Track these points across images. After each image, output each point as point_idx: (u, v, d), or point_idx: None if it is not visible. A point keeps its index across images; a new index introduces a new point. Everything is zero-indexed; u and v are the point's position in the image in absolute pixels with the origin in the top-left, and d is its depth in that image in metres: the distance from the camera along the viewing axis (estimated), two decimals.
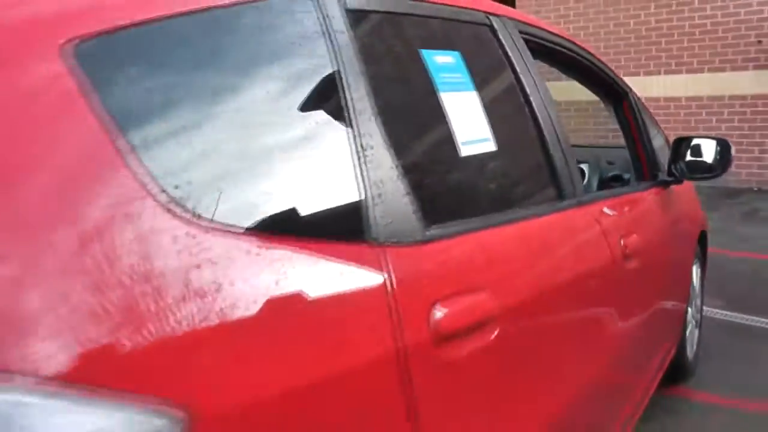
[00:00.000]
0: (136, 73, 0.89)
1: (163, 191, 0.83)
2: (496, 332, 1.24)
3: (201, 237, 0.83)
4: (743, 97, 7.77)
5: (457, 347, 1.14)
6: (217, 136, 0.93)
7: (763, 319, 3.89)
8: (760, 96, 7.68)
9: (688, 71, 8.19)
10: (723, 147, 2.72)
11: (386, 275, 1.04)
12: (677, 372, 3.10)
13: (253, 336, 0.85)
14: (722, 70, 7.89)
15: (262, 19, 1.08)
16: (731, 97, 7.84)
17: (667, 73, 8.31)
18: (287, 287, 0.90)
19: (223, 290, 0.83)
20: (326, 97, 1.11)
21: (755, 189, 7.71)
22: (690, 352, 3.22)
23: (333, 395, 0.92)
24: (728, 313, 4.00)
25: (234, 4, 1.05)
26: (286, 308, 0.89)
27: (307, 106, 1.08)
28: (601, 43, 8.64)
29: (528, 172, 1.76)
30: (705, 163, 2.72)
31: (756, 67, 7.61)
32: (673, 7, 8.25)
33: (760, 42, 7.53)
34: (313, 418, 0.89)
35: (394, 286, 1.04)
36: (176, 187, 0.84)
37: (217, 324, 0.81)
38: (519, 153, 1.74)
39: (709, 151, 2.73)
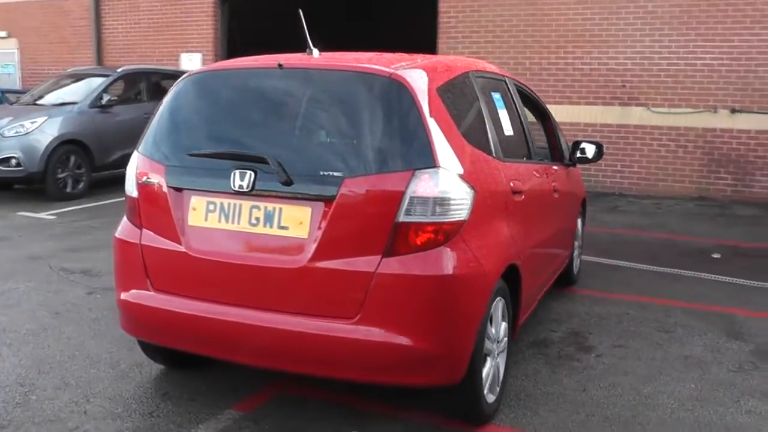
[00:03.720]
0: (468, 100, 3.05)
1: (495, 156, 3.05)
2: (523, 197, 3.43)
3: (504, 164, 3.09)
4: (610, 125, 10.43)
5: (516, 197, 3.33)
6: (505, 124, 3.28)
7: (615, 261, 6.32)
8: (623, 125, 10.35)
9: (570, 103, 10.77)
10: (598, 147, 5.03)
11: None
12: (568, 278, 5.40)
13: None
14: (595, 104, 10.52)
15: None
16: (601, 125, 10.47)
17: (554, 103, 10.85)
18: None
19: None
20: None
21: (617, 193, 10.35)
22: (575, 267, 5.55)
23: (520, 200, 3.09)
24: (596, 258, 6.40)
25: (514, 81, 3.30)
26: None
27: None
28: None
29: (527, 146, 4.01)
30: (587, 157, 5.03)
31: (621, 104, 10.28)
32: (561, 54, 10.82)
33: (624, 85, 10.22)
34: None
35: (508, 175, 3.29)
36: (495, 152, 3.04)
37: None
38: (523, 138, 3.97)
39: (590, 149, 5.04)
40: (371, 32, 20.16)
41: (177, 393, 3.56)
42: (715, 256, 6.67)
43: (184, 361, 3.74)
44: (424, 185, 2.74)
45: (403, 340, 2.72)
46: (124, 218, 3.40)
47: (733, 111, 9.45)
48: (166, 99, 3.37)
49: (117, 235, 3.36)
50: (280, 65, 3.11)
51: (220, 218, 2.97)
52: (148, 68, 11.06)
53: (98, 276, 5.70)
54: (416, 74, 3.01)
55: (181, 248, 3.03)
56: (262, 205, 2.90)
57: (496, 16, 11.29)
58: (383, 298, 2.72)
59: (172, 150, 3.20)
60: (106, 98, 9.64)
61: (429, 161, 2.78)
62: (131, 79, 10.50)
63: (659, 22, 9.90)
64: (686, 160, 9.90)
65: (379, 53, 3.34)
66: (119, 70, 10.26)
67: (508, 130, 3.63)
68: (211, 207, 2.99)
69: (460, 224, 2.82)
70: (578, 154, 5.00)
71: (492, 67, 4.09)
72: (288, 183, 2.83)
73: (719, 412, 3.47)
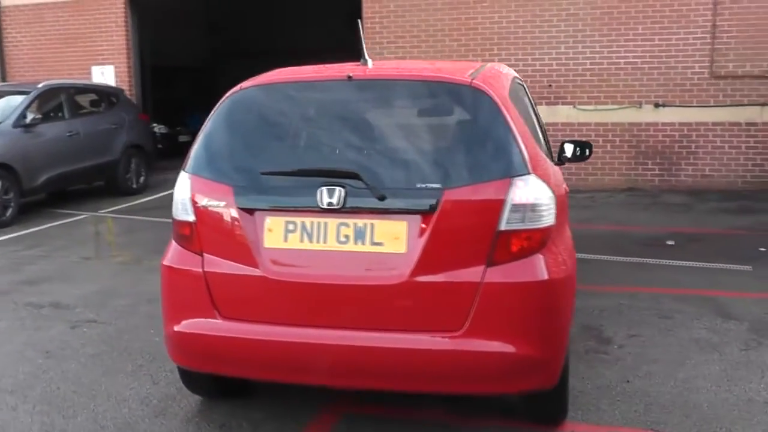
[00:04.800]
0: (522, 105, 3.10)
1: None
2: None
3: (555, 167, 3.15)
4: None
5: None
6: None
7: (582, 254, 6.58)
8: (550, 124, 10.72)
9: None
10: (581, 146, 5.21)
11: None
12: None
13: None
14: None
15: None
16: None
17: None
18: None
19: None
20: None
21: None
22: None
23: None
24: None
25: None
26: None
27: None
28: None
29: (548, 148, 4.07)
30: (566, 156, 5.21)
31: (548, 104, 10.69)
32: (486, 57, 11.13)
33: (550, 86, 10.65)
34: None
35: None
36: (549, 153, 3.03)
37: None
38: (545, 139, 4.03)
39: (570, 149, 5.22)
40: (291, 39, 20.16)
41: (236, 423, 3.39)
42: (670, 243, 7.07)
43: (224, 391, 3.57)
44: (520, 193, 2.76)
45: (512, 348, 2.72)
46: (173, 245, 3.18)
47: (657, 105, 10.06)
48: (219, 114, 3.17)
49: (167, 263, 3.15)
50: (349, 76, 3.04)
51: (303, 238, 2.85)
52: (69, 83, 10.41)
53: (72, 309, 5.31)
54: (492, 82, 3.05)
55: (258, 272, 2.88)
56: (351, 221, 2.81)
57: (420, 21, 11.46)
58: (490, 308, 2.72)
59: (239, 169, 3.04)
60: (30, 117, 9.00)
61: (523, 168, 2.82)
62: (53, 95, 9.83)
63: (581, 24, 10.38)
64: (614, 154, 10.42)
65: (429, 61, 3.34)
66: (40, 85, 9.58)
67: (542, 133, 3.73)
68: (291, 227, 2.87)
69: (550, 229, 2.86)
70: (566, 154, 5.17)
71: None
72: (383, 198, 2.77)
73: (753, 388, 3.69)
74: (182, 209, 3.09)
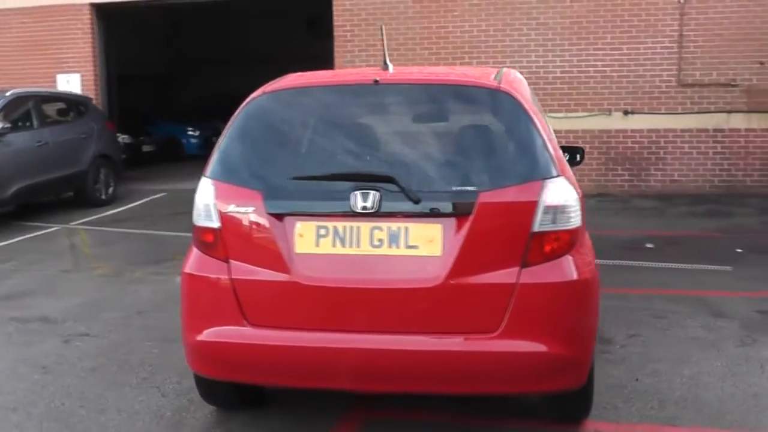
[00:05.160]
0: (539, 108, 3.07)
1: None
2: None
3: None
4: None
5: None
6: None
7: None
8: None
9: None
10: (572, 152, 5.30)
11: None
12: None
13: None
14: None
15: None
16: None
17: None
18: None
19: None
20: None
21: None
22: None
23: None
24: None
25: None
26: None
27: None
28: None
29: None
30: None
31: None
32: (458, 65, 11.28)
33: None
34: None
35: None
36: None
37: None
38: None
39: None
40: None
41: None
42: (649, 246, 7.25)
43: (243, 401, 3.52)
44: (552, 194, 2.80)
45: (546, 348, 2.75)
46: (194, 252, 3.12)
47: (626, 113, 10.32)
48: (241, 118, 3.13)
49: (189, 270, 3.08)
50: (375, 81, 3.04)
51: (335, 243, 2.84)
52: (38, 91, 10.15)
53: (62, 323, 5.17)
54: (516, 86, 3.10)
55: (290, 278, 2.85)
56: (384, 225, 2.81)
57: (392, 29, 11.51)
58: (524, 309, 2.75)
59: (267, 174, 3.00)
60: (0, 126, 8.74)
61: (553, 170, 2.87)
62: (20, 103, 9.55)
63: (551, 33, 10.60)
64: (585, 160, 10.61)
65: (449, 67, 3.38)
66: (8, 93, 9.29)
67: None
68: (323, 232, 2.85)
69: (578, 230, 2.91)
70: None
71: None
72: (418, 201, 2.78)
73: (756, 383, 3.81)
74: (205, 215, 3.04)
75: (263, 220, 2.91)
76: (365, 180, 2.82)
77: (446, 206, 2.80)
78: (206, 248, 3.06)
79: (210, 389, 3.40)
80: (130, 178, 12.88)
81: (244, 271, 2.94)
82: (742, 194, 9.76)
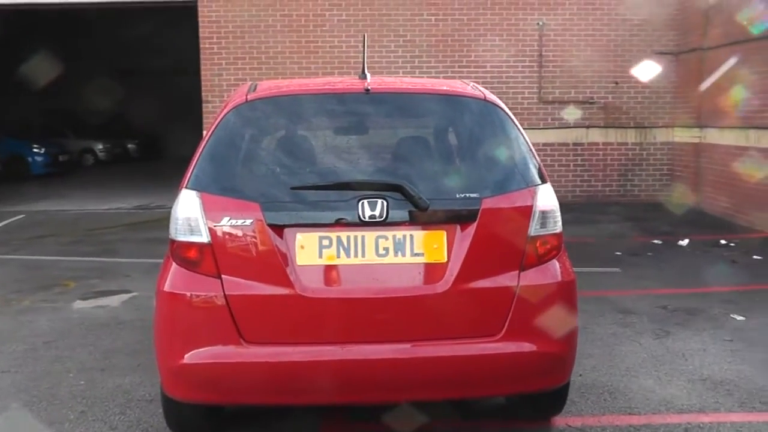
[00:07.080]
0: None
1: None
2: None
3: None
4: None
5: None
6: None
7: None
8: None
9: None
10: None
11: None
12: None
13: None
14: None
15: None
16: None
17: None
18: None
19: None
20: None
21: None
22: None
23: None
24: None
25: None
26: None
27: None
28: None
29: None
30: None
31: None
32: (303, 75, 11.24)
33: None
34: None
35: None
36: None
37: None
38: None
39: None
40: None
41: None
42: (617, 253, 7.43)
43: (211, 427, 3.24)
44: (543, 200, 2.88)
45: (541, 348, 2.79)
46: (174, 268, 2.79)
47: None
48: (223, 126, 2.89)
49: (169, 289, 2.76)
50: (366, 90, 2.94)
51: (339, 253, 2.71)
52: None
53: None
54: (495, 97, 3.14)
55: (292, 291, 2.66)
56: (389, 234, 2.73)
57: (260, 42, 11.29)
58: (523, 311, 2.79)
59: (263, 184, 2.81)
60: None
61: (541, 177, 2.96)
62: None
63: (418, 50, 10.88)
64: None
65: (420, 78, 3.32)
66: None
67: None
68: (326, 242, 2.71)
69: (562, 234, 3.01)
70: None
71: None
72: (425, 208, 2.72)
73: (686, 370, 4.13)
74: (187, 230, 2.75)
75: (261, 233, 2.71)
76: (373, 189, 2.73)
77: (452, 213, 2.78)
78: (190, 265, 2.76)
79: (180, 416, 3.06)
80: None
81: (240, 286, 2.71)
82: (602, 203, 10.54)
